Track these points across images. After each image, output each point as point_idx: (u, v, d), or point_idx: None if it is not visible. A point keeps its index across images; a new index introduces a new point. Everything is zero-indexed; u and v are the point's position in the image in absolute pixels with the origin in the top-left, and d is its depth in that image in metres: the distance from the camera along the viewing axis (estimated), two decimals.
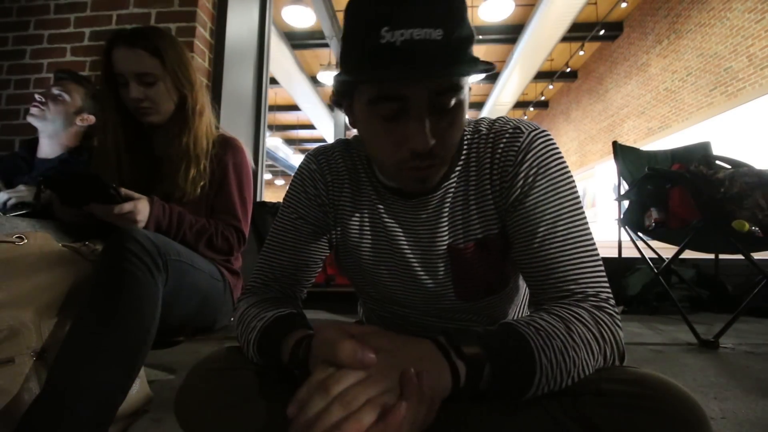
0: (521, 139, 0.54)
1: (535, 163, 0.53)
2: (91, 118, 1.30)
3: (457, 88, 0.46)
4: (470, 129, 0.60)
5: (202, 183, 0.99)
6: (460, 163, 0.59)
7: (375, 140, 0.51)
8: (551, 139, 0.55)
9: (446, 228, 0.59)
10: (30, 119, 1.24)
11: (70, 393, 0.57)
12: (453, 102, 0.47)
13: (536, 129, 0.55)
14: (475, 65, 0.45)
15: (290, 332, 0.50)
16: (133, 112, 0.97)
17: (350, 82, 0.50)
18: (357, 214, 0.63)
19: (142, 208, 0.86)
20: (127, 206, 0.83)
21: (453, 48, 0.43)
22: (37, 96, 1.24)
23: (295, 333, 0.49)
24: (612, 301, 0.49)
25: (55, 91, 1.24)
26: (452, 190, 0.59)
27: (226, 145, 1.05)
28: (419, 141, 0.46)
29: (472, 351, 0.41)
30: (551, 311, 0.47)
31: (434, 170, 0.52)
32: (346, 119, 0.56)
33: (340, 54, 0.49)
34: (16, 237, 0.72)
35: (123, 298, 0.64)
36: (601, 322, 0.46)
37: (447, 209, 0.59)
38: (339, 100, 0.55)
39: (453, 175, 0.58)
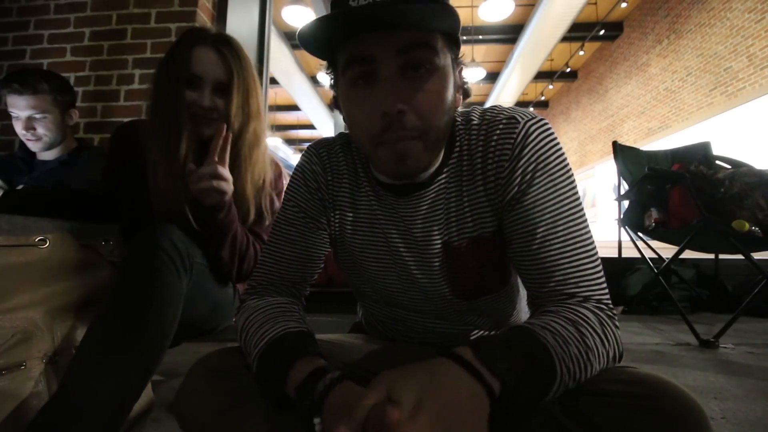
0: (517, 130, 0.51)
1: (533, 158, 0.50)
2: (76, 111, 1.34)
3: (426, 46, 0.47)
4: (462, 119, 0.57)
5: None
6: (454, 156, 0.56)
7: (352, 115, 0.51)
8: (549, 129, 0.52)
9: (441, 225, 0.57)
10: (37, 149, 1.28)
11: (85, 396, 0.56)
12: (425, 66, 0.47)
13: (533, 118, 0.52)
14: (441, 20, 0.45)
15: (298, 359, 0.47)
16: (193, 118, 0.85)
17: (331, 60, 0.53)
18: (354, 211, 0.62)
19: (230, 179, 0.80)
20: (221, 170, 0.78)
21: (415, 4, 0.43)
22: (21, 132, 1.24)
23: (304, 362, 0.46)
24: (610, 303, 0.49)
25: (35, 116, 1.23)
26: (445, 185, 0.56)
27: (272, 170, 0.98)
28: (386, 102, 0.46)
29: (505, 367, 0.39)
30: (560, 313, 0.46)
31: (412, 145, 0.48)
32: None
33: None
34: (39, 240, 0.72)
35: (149, 302, 0.62)
36: (605, 324, 0.46)
37: (441, 206, 0.57)
38: (335, 95, 0.55)
39: (446, 170, 0.56)
